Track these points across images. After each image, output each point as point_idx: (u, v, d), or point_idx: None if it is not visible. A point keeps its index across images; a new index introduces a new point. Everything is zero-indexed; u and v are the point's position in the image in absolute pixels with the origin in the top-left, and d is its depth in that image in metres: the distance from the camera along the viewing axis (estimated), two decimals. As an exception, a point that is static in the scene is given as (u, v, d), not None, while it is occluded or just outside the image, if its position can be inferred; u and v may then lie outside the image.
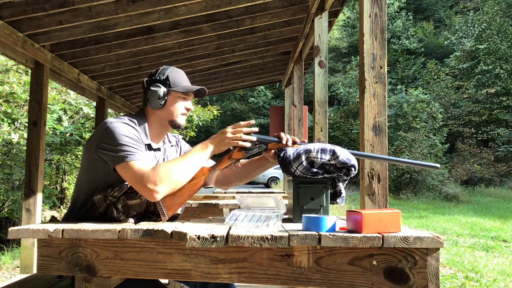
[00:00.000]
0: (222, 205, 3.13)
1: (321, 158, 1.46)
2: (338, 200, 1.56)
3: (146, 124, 1.64)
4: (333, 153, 1.46)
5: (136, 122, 1.60)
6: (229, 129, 1.55)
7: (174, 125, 1.68)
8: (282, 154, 1.52)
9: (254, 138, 1.56)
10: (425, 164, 1.68)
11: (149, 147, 1.64)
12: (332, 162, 1.47)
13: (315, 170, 1.47)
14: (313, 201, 1.47)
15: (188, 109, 1.70)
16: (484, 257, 5.62)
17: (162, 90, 1.61)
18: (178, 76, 1.67)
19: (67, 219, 1.61)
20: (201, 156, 1.53)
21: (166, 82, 1.63)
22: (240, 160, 1.62)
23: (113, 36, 4.22)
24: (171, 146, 1.80)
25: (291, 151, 1.51)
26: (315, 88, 3.52)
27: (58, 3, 3.35)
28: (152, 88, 1.62)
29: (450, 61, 22.83)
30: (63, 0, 3.33)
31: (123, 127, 1.51)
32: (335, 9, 4.55)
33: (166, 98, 1.63)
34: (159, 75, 1.64)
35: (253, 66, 6.34)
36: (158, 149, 1.70)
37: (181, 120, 1.69)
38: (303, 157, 1.46)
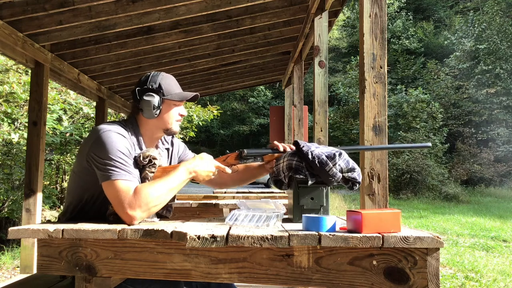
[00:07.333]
0: (222, 205, 3.12)
1: (341, 167, 1.47)
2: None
3: (140, 134, 1.61)
4: (354, 169, 1.48)
5: (129, 132, 1.57)
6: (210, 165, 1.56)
7: (169, 133, 1.67)
8: (310, 153, 1.46)
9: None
10: (416, 145, 1.72)
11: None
12: (345, 173, 1.48)
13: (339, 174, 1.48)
14: (313, 201, 1.47)
15: (182, 115, 1.68)
16: (484, 257, 5.63)
17: (156, 99, 1.57)
18: (170, 83, 1.63)
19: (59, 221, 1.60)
20: (182, 184, 1.51)
21: (159, 91, 1.59)
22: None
23: (113, 36, 4.22)
24: (165, 148, 1.76)
25: (320, 150, 1.48)
26: (315, 88, 3.52)
27: (58, 3, 3.35)
28: (145, 98, 1.57)
29: (450, 61, 22.83)
30: (63, 0, 3.33)
31: (116, 138, 1.48)
32: (335, 9, 4.55)
33: (160, 107, 1.59)
34: (151, 84, 1.59)
35: (253, 66, 6.34)
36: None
37: (176, 127, 1.67)
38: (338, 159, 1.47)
